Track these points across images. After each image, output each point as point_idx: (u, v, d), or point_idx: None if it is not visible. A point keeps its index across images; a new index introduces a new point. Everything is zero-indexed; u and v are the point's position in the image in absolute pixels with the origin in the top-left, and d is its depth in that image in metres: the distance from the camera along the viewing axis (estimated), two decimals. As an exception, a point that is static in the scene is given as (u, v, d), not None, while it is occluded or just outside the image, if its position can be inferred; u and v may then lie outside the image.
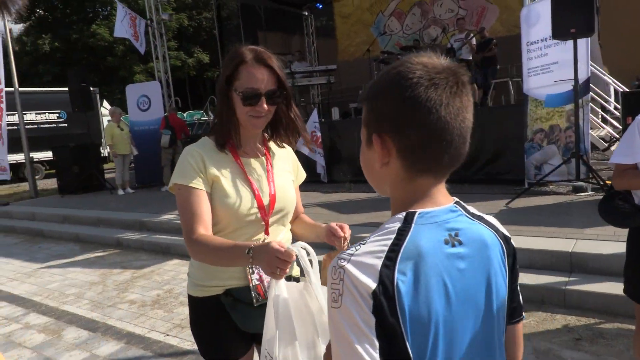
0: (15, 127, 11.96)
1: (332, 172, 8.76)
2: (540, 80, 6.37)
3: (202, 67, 33.75)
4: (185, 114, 24.55)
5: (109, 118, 10.77)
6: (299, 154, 1.87)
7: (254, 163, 1.63)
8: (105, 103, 22.75)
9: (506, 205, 5.58)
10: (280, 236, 1.68)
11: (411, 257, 0.76)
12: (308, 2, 14.48)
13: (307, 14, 14.98)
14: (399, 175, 0.84)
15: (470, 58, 9.79)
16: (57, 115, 18.58)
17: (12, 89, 11.31)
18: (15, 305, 4.79)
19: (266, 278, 1.59)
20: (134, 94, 11.45)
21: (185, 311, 3.87)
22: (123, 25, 10.98)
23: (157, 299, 4.59)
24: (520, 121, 6.65)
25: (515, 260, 0.93)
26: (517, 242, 4.03)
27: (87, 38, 30.17)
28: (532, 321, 3.37)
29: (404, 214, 0.81)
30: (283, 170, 1.71)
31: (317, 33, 15.24)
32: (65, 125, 18.57)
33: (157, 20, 11.49)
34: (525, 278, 3.75)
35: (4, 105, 10.91)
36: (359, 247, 0.78)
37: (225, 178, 1.55)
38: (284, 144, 1.74)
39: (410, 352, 0.74)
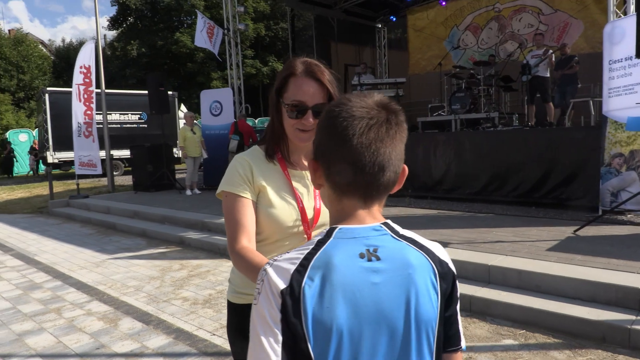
0: (100, 126, 12.83)
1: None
2: (623, 101, 5.95)
3: (276, 75, 34.75)
4: (256, 121, 25.32)
5: (185, 121, 11.29)
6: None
7: (302, 176, 1.62)
8: (183, 107, 23.95)
9: (574, 233, 5.22)
10: None
11: (321, 266, 0.83)
12: (382, 15, 14.49)
13: (380, 26, 14.99)
14: (330, 196, 0.95)
15: (548, 75, 9.34)
16: (139, 116, 19.83)
17: (99, 90, 12.19)
18: (82, 292, 5.13)
19: None
20: (207, 99, 11.92)
21: (231, 313, 3.94)
22: (202, 35, 11.50)
23: (209, 298, 4.73)
24: (597, 144, 6.23)
25: (454, 287, 0.94)
26: (579, 273, 3.82)
27: (171, 45, 32.02)
28: (590, 360, 3.13)
29: (328, 228, 0.90)
30: None
31: (389, 45, 15.19)
32: (145, 126, 19.78)
33: (234, 30, 11.94)
34: (586, 312, 3.49)
35: (94, 105, 11.72)
36: (283, 254, 0.87)
37: (271, 188, 1.55)
38: None
39: (312, 354, 0.80)
